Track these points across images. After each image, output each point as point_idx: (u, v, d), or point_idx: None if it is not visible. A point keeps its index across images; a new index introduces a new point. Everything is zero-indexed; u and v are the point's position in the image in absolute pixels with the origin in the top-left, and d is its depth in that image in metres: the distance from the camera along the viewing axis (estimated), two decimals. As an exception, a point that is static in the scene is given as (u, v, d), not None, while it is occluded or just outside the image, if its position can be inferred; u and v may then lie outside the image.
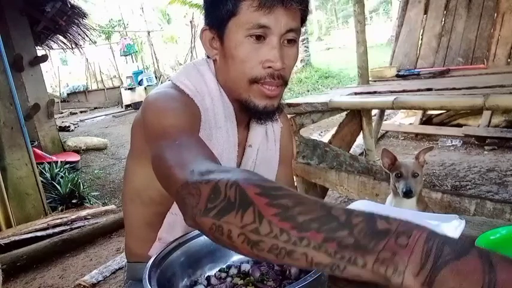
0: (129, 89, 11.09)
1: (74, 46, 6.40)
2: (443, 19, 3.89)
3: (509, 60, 3.42)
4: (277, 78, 0.77)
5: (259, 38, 0.75)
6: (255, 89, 0.78)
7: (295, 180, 3.00)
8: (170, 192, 0.58)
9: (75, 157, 5.23)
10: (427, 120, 4.58)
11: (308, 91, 9.80)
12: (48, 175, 4.03)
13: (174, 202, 0.78)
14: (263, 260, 0.47)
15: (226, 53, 0.79)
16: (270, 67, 0.76)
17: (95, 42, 8.71)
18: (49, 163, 4.29)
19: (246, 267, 0.72)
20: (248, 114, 0.87)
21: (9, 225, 3.16)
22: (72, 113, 11.60)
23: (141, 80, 10.62)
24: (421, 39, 3.99)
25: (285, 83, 0.80)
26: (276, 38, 0.75)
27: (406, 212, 1.02)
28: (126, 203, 0.95)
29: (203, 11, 0.84)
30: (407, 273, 0.34)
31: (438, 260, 0.34)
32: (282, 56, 0.76)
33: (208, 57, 0.87)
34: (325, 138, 3.93)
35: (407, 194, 1.62)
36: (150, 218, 0.89)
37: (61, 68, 14.93)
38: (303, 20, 0.81)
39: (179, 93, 0.80)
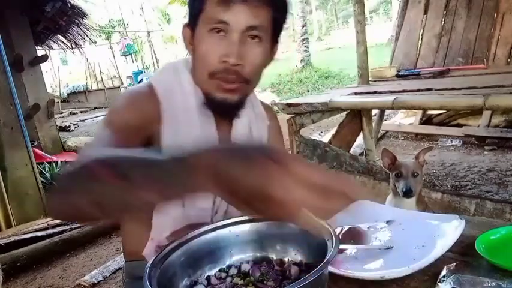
0: (129, 89, 11.06)
1: (74, 46, 6.40)
2: (443, 19, 3.89)
3: (509, 60, 3.42)
4: (233, 74, 0.78)
5: (220, 32, 0.77)
6: (213, 83, 0.80)
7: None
8: None
9: (75, 157, 5.21)
10: (427, 120, 4.58)
11: (308, 91, 9.80)
12: (48, 175, 4.03)
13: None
14: (108, 216, 0.57)
15: (195, 48, 0.82)
16: (225, 61, 0.77)
17: (95, 42, 8.71)
18: (49, 163, 4.30)
19: (246, 267, 0.72)
20: (212, 106, 0.87)
21: (9, 225, 3.16)
22: (72, 113, 11.61)
23: (141, 80, 10.64)
24: (421, 39, 3.99)
25: (243, 79, 0.80)
26: (236, 34, 0.76)
27: (406, 212, 1.02)
28: None
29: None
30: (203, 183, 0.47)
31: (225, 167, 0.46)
32: (241, 52, 0.77)
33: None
34: (325, 138, 3.93)
35: (407, 193, 1.62)
36: (143, 216, 0.89)
37: (61, 68, 14.94)
38: (277, 18, 0.81)
39: (146, 90, 0.84)
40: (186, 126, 0.85)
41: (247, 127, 0.95)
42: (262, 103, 1.03)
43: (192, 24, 0.82)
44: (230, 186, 0.45)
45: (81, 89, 13.33)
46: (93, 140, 0.74)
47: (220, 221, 0.76)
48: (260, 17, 0.77)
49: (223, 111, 0.86)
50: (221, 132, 0.89)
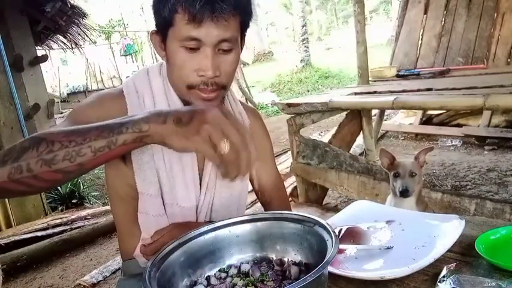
0: (129, 89, 11.05)
1: (74, 46, 6.39)
2: (443, 19, 3.89)
3: (509, 60, 3.42)
4: (211, 85, 0.81)
5: (193, 49, 0.78)
6: (193, 93, 0.83)
7: (295, 180, 3.00)
8: None
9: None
10: (427, 120, 4.58)
11: (308, 91, 9.80)
12: (48, 175, 4.03)
13: (139, 201, 0.87)
14: (63, 172, 0.61)
15: (168, 58, 0.84)
16: (203, 75, 0.79)
17: (95, 42, 8.70)
18: (49, 163, 4.29)
19: (246, 267, 0.72)
20: None
21: (9, 225, 3.16)
22: (72, 113, 11.59)
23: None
24: (421, 39, 3.99)
25: (220, 87, 0.83)
26: (209, 49, 0.78)
27: (406, 212, 1.02)
28: (111, 202, 0.98)
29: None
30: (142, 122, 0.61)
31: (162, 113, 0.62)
32: (216, 64, 0.79)
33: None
34: (325, 138, 3.93)
35: (403, 193, 1.62)
36: (133, 214, 0.90)
37: (61, 68, 14.93)
38: (245, 26, 0.83)
39: (115, 92, 0.90)
40: None
41: None
42: (244, 104, 1.05)
43: (161, 33, 0.82)
44: (164, 121, 0.61)
45: (81, 89, 13.33)
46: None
47: (220, 221, 0.76)
48: (230, 28, 0.78)
49: None
50: None
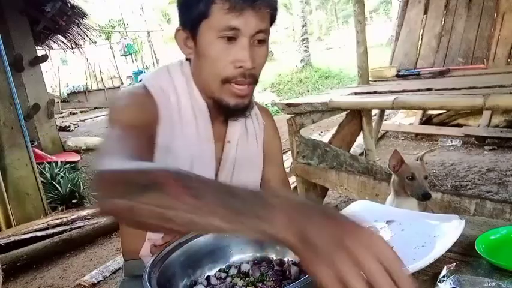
0: (129, 89, 11.05)
1: (74, 46, 6.40)
2: (443, 19, 3.88)
3: (509, 60, 3.42)
4: (248, 77, 0.81)
5: (231, 39, 0.78)
6: (226, 88, 0.82)
7: (295, 180, 3.00)
8: None
9: (75, 157, 5.23)
10: (427, 120, 4.58)
11: (308, 91, 9.79)
12: (48, 175, 4.03)
13: None
14: (173, 231, 0.54)
15: (200, 53, 0.82)
16: (241, 67, 0.79)
17: (95, 42, 8.70)
18: (49, 163, 4.30)
19: (246, 267, 0.72)
20: (222, 111, 0.90)
21: (9, 225, 3.16)
22: (72, 113, 11.60)
23: (141, 80, 10.61)
24: (421, 39, 3.98)
25: (255, 81, 0.84)
26: (246, 39, 0.78)
27: (406, 212, 1.02)
28: None
29: (178, 11, 0.87)
30: (286, 233, 0.43)
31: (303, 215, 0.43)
32: (252, 56, 0.80)
33: (187, 59, 0.91)
34: (325, 138, 3.92)
35: (426, 196, 1.61)
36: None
37: (61, 68, 14.92)
38: (272, 21, 0.84)
39: (142, 92, 0.85)
40: (181, 127, 0.86)
41: (243, 127, 0.97)
42: (257, 104, 1.05)
43: (190, 28, 0.82)
44: (302, 235, 0.43)
45: (81, 89, 13.32)
46: (105, 139, 0.75)
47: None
48: (266, 19, 0.80)
49: (235, 114, 0.89)
50: (216, 132, 0.91)
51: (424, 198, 1.62)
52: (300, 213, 0.44)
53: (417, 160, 1.73)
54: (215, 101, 0.85)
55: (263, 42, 0.82)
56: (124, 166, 0.57)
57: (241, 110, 0.87)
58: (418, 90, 2.60)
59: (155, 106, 0.84)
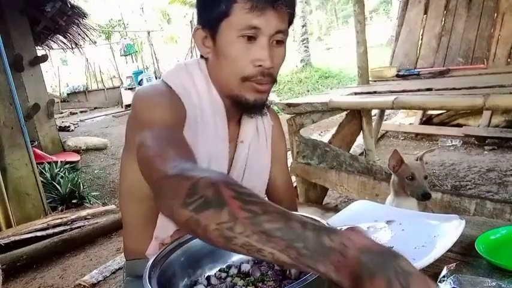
0: (129, 89, 11.08)
1: (74, 46, 6.40)
2: (443, 19, 3.89)
3: (509, 60, 3.42)
4: (267, 76, 0.82)
5: (251, 38, 0.79)
6: (247, 85, 0.83)
7: (294, 180, 3.00)
8: (149, 181, 0.63)
9: (75, 157, 5.23)
10: (427, 120, 4.58)
11: (308, 91, 9.80)
12: (48, 175, 4.03)
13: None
14: (233, 251, 0.52)
15: (219, 52, 0.83)
16: (260, 66, 0.80)
17: (95, 42, 8.70)
18: (49, 163, 4.29)
19: (246, 267, 0.72)
20: (239, 110, 0.91)
21: (9, 225, 3.16)
22: (72, 113, 11.58)
23: (141, 80, 10.61)
24: (421, 39, 3.99)
25: (273, 80, 0.85)
26: (266, 39, 0.79)
27: (406, 212, 1.02)
28: (122, 200, 0.97)
29: (196, 11, 0.88)
30: (342, 277, 0.44)
31: (361, 273, 0.42)
32: (271, 55, 0.80)
33: (201, 57, 0.90)
34: (325, 138, 3.92)
35: (426, 196, 1.61)
36: (146, 214, 0.90)
37: (61, 68, 14.91)
38: (290, 22, 0.85)
39: (167, 89, 0.84)
40: (202, 127, 0.86)
41: (255, 127, 0.98)
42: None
43: (209, 27, 0.82)
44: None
45: (81, 89, 13.31)
46: (148, 140, 0.69)
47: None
48: (285, 20, 0.81)
49: (253, 111, 0.89)
50: (231, 132, 0.92)
51: (423, 198, 1.62)
52: (367, 270, 0.42)
53: (417, 160, 1.73)
54: (234, 99, 0.86)
55: (281, 42, 0.83)
56: (187, 172, 0.55)
57: (260, 107, 0.88)
58: (418, 90, 2.60)
59: (182, 104, 0.83)
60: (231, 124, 0.91)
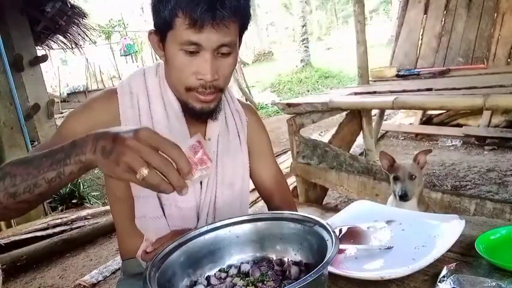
0: (129, 89, 11.06)
1: (74, 46, 6.39)
2: (443, 19, 3.89)
3: (509, 60, 3.42)
4: (209, 88, 0.82)
5: (192, 52, 0.79)
6: (191, 95, 0.84)
7: (295, 180, 3.00)
8: None
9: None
10: (427, 120, 4.58)
11: (308, 91, 9.80)
12: (48, 175, 4.03)
13: (135, 206, 0.87)
14: (26, 202, 0.67)
15: (167, 60, 0.84)
16: (201, 79, 0.80)
17: (95, 42, 8.69)
18: (49, 163, 4.29)
19: (246, 267, 0.72)
20: (191, 112, 0.91)
21: (9, 225, 3.16)
22: (72, 113, 11.58)
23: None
24: (421, 39, 3.99)
25: (219, 90, 0.85)
26: (208, 53, 0.79)
27: (406, 212, 1.02)
28: (109, 202, 0.99)
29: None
30: (94, 151, 0.60)
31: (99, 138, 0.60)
32: (215, 68, 0.80)
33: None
34: (325, 138, 3.92)
35: (403, 197, 1.62)
36: (131, 213, 0.90)
37: (61, 68, 14.91)
38: (243, 28, 0.84)
39: (105, 96, 0.90)
40: (156, 126, 0.88)
41: (223, 124, 0.98)
42: (240, 101, 1.06)
43: (160, 33, 0.83)
44: (99, 151, 0.59)
45: (81, 89, 13.31)
46: (41, 143, 0.84)
47: (220, 221, 0.76)
48: (230, 33, 0.79)
49: (201, 117, 0.90)
50: (194, 130, 0.91)
51: (400, 198, 1.63)
52: (97, 138, 0.60)
53: (413, 161, 1.73)
54: (183, 104, 0.88)
55: (228, 54, 0.82)
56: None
57: (208, 114, 0.88)
58: (418, 90, 2.60)
59: (115, 108, 0.88)
60: (195, 123, 0.91)
